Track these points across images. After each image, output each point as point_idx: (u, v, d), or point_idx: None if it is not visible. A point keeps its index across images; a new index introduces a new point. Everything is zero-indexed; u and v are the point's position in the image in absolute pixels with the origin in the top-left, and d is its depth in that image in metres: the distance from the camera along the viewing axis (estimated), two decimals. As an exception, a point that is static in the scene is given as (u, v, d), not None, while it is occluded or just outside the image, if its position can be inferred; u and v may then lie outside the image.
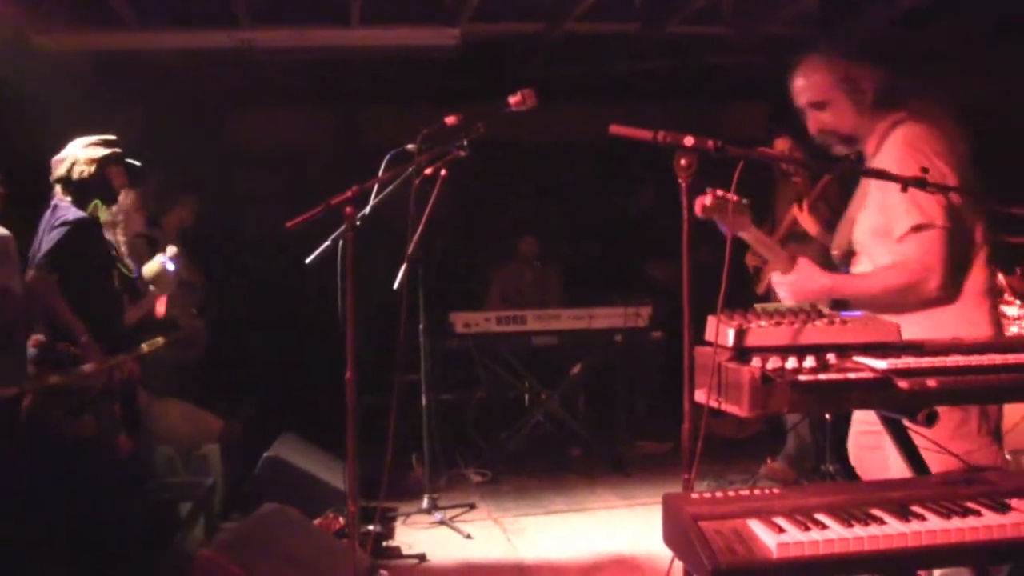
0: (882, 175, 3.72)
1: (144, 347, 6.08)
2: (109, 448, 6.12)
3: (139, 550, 6.20)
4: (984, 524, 2.72)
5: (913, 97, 4.19)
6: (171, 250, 7.00)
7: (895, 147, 4.01)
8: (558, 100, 7.26)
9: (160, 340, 6.14)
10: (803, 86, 4.26)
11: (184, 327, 7.77)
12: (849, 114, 4.17)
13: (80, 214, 6.08)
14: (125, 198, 7.08)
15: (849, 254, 4.33)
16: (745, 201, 3.85)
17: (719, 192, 3.76)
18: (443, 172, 5.60)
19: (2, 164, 5.82)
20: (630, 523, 7.68)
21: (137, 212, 7.77)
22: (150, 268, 6.92)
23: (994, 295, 4.12)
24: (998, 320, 4.12)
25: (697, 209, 3.81)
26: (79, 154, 6.22)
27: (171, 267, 6.91)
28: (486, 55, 9.37)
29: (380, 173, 5.16)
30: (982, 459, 3.69)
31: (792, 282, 4.05)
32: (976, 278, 4.02)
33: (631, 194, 11.64)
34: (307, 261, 5.28)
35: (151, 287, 6.93)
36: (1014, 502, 2.82)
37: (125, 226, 7.46)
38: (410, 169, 5.23)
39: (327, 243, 5.17)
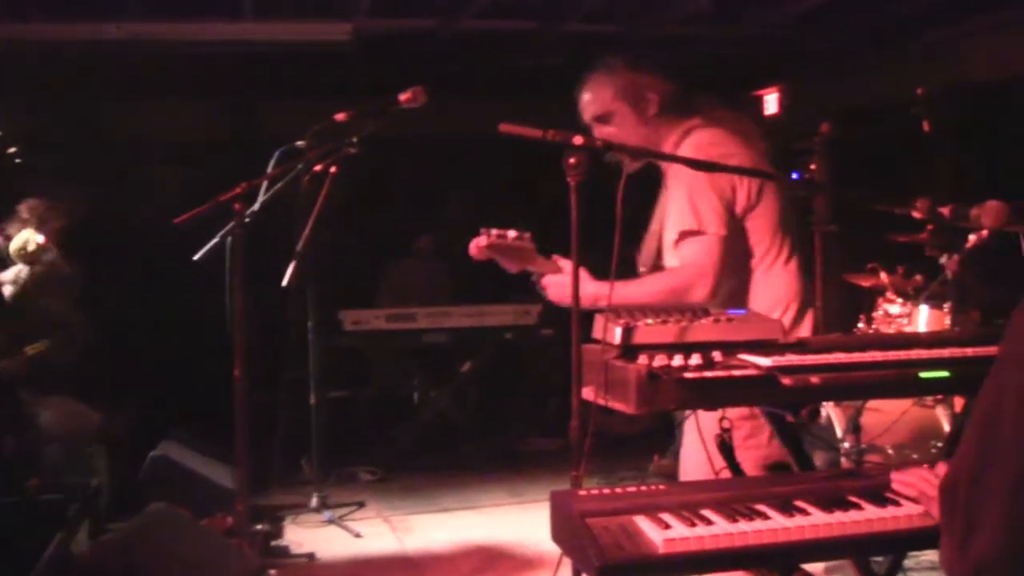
0: (761, 174, 3.79)
1: (28, 350, 5.98)
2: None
3: (22, 551, 6.10)
4: (865, 517, 2.76)
5: (703, 103, 4.19)
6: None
7: (689, 151, 3.98)
8: (456, 97, 7.26)
9: (42, 345, 6.04)
10: (588, 101, 4.24)
11: (67, 326, 7.64)
12: (632, 124, 4.13)
13: None
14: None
15: (656, 268, 4.23)
16: (527, 235, 3.84)
17: (494, 231, 3.77)
18: (333, 169, 5.57)
19: None
20: (520, 520, 7.69)
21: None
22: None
23: (802, 302, 4.10)
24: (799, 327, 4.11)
25: (472, 251, 3.84)
26: None
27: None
28: (383, 51, 9.33)
29: (270, 169, 5.13)
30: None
31: (556, 285, 3.96)
32: (772, 284, 4.05)
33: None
34: (195, 257, 5.23)
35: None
36: (894, 495, 2.86)
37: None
38: (299, 166, 5.20)
39: (216, 239, 5.12)
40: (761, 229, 4.03)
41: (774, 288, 4.04)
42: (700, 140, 4.03)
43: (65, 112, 9.98)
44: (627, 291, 3.79)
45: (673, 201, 4.00)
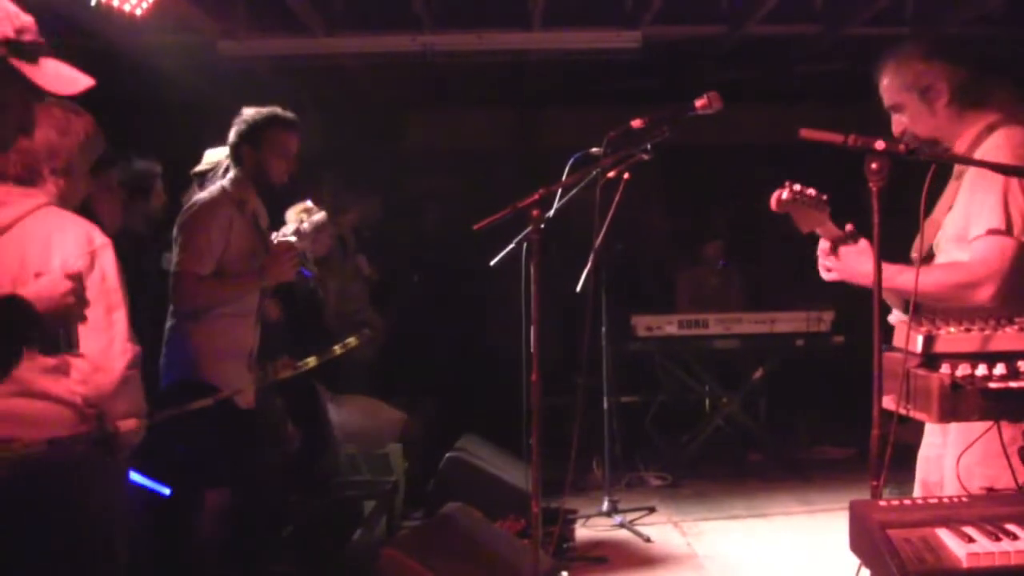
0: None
1: (337, 349, 6.13)
2: (278, 439, 6.22)
3: (321, 546, 6.33)
4: None
5: (1002, 97, 3.97)
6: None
7: (999, 153, 3.76)
8: (739, 102, 7.19)
9: (353, 341, 6.16)
10: (883, 89, 4.12)
11: (369, 325, 7.88)
12: (923, 117, 3.98)
13: None
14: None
15: (929, 258, 4.02)
16: (824, 197, 3.77)
17: (796, 187, 3.71)
18: (626, 175, 5.60)
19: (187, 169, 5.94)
20: (810, 529, 7.61)
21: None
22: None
23: None
24: None
25: (772, 203, 3.77)
26: None
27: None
28: (665, 58, 9.35)
29: (565, 176, 5.19)
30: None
31: (841, 259, 3.91)
32: None
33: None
34: (492, 263, 5.34)
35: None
36: None
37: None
38: (595, 172, 5.25)
39: (512, 245, 5.22)
40: None
41: None
42: (1010, 140, 3.80)
43: (354, 123, 10.31)
44: (905, 277, 3.66)
45: (980, 194, 3.78)
